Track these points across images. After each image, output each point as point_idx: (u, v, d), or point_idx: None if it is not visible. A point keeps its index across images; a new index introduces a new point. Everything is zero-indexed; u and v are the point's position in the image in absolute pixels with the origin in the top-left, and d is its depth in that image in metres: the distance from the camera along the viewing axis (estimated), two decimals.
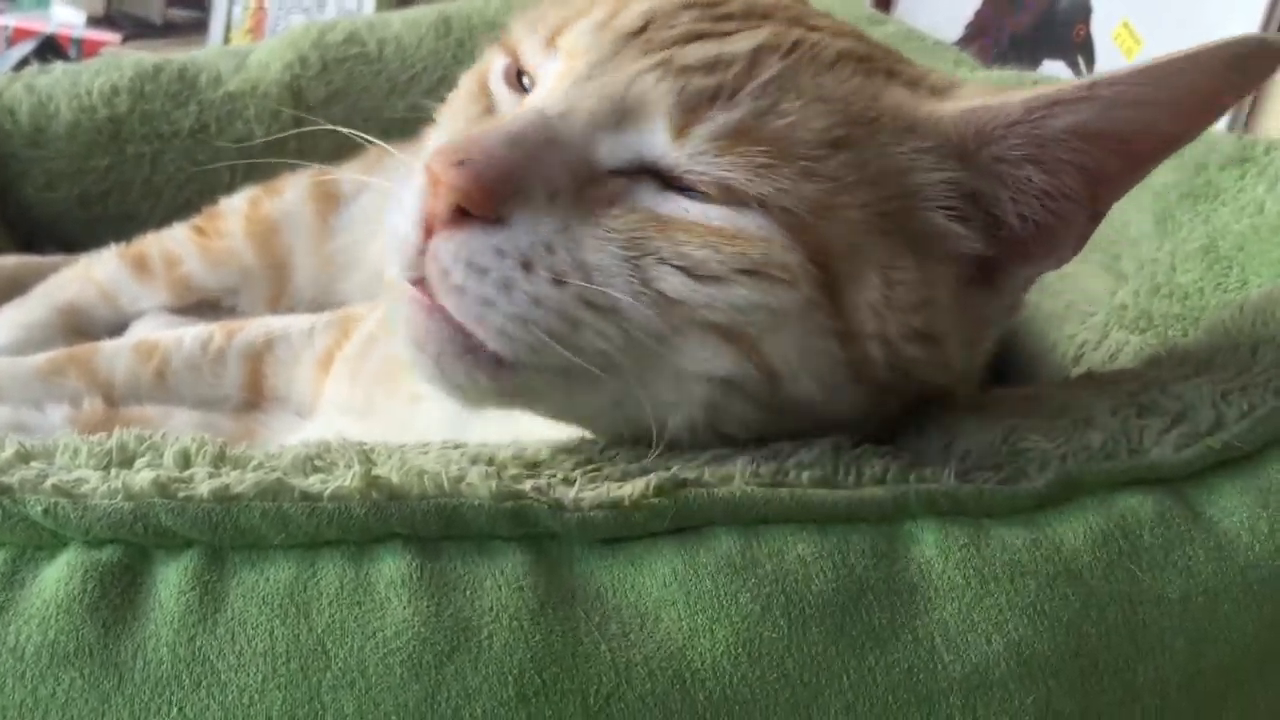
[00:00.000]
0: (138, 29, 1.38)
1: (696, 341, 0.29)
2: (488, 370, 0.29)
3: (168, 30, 1.39)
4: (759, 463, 0.26)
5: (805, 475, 0.26)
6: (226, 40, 1.06)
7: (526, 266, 0.28)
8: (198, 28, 1.39)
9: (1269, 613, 0.27)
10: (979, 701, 0.24)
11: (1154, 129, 0.31)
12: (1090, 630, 0.25)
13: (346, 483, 0.24)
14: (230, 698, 0.21)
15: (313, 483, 0.24)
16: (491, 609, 0.23)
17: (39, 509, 0.23)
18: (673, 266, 0.28)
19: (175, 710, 0.21)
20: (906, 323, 0.30)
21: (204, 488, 0.23)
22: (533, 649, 0.23)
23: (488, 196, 0.28)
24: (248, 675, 0.22)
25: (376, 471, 0.24)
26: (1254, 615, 0.27)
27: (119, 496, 0.23)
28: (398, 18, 0.71)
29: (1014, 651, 0.25)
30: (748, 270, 0.28)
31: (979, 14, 0.96)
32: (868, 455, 0.27)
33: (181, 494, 0.23)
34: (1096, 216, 0.33)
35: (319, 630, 0.22)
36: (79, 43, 1.36)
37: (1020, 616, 0.25)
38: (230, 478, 0.24)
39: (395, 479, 0.24)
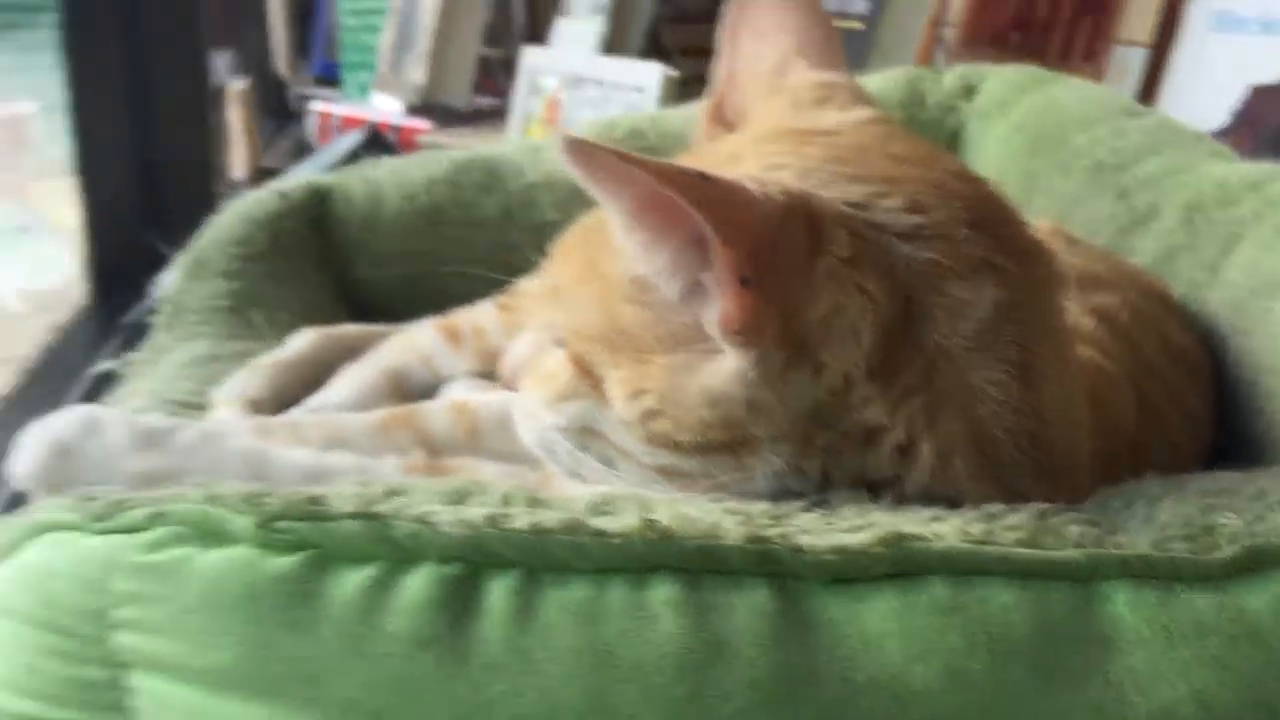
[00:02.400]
0: (447, 117, 1.54)
1: None
2: None
3: (473, 118, 1.54)
4: (971, 523, 0.31)
5: (1011, 536, 0.30)
6: (525, 130, 1.18)
7: None
8: (499, 114, 1.54)
9: None
10: None
11: None
12: (1271, 685, 0.28)
13: (629, 524, 0.30)
14: (543, 682, 0.28)
15: (603, 522, 0.30)
16: (742, 629, 0.29)
17: (403, 532, 0.30)
18: None
19: (502, 688, 0.28)
20: None
21: (522, 522, 0.30)
22: (775, 663, 0.28)
23: None
24: (555, 667, 0.28)
25: (652, 516, 0.30)
26: None
27: (461, 526, 0.30)
28: (677, 114, 0.79)
29: (1197, 698, 0.28)
30: None
31: (1247, 105, 0.95)
32: (1068, 522, 0.31)
33: (506, 526, 0.30)
34: None
35: (608, 637, 0.29)
36: (397, 130, 1.53)
37: (1204, 668, 0.28)
38: (542, 516, 0.30)
39: (667, 522, 0.30)
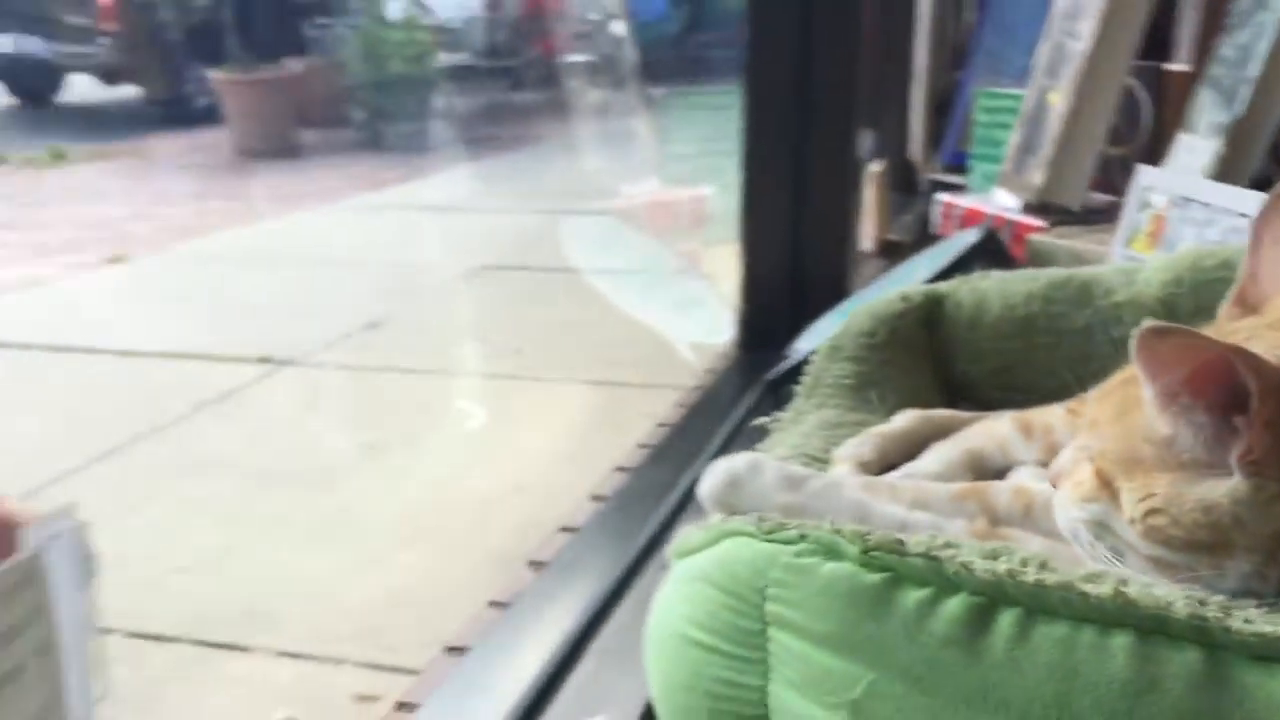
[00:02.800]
0: (1060, 216, 1.65)
1: None
2: None
3: (1084, 217, 1.64)
4: None
5: None
6: (1130, 240, 1.26)
7: None
8: (1110, 213, 1.62)
9: None
10: None
11: None
12: None
13: (1106, 590, 0.43)
14: (1026, 683, 0.42)
15: (1089, 587, 0.44)
16: (1174, 675, 0.41)
17: (950, 570, 0.46)
18: None
19: (997, 682, 0.43)
20: None
21: (1031, 577, 0.45)
22: (1195, 703, 0.40)
23: None
24: (1036, 674, 0.42)
25: (1124, 589, 0.43)
26: None
27: (988, 573, 0.45)
28: None
29: None
30: None
31: None
32: None
33: (1019, 578, 0.45)
34: None
35: (1076, 661, 0.42)
36: (1011, 225, 1.67)
37: None
38: (1046, 575, 0.45)
39: (1134, 594, 0.43)
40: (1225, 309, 0.59)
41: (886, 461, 0.78)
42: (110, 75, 10.13)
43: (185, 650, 2.23)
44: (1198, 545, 0.47)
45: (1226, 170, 1.28)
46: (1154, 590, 0.43)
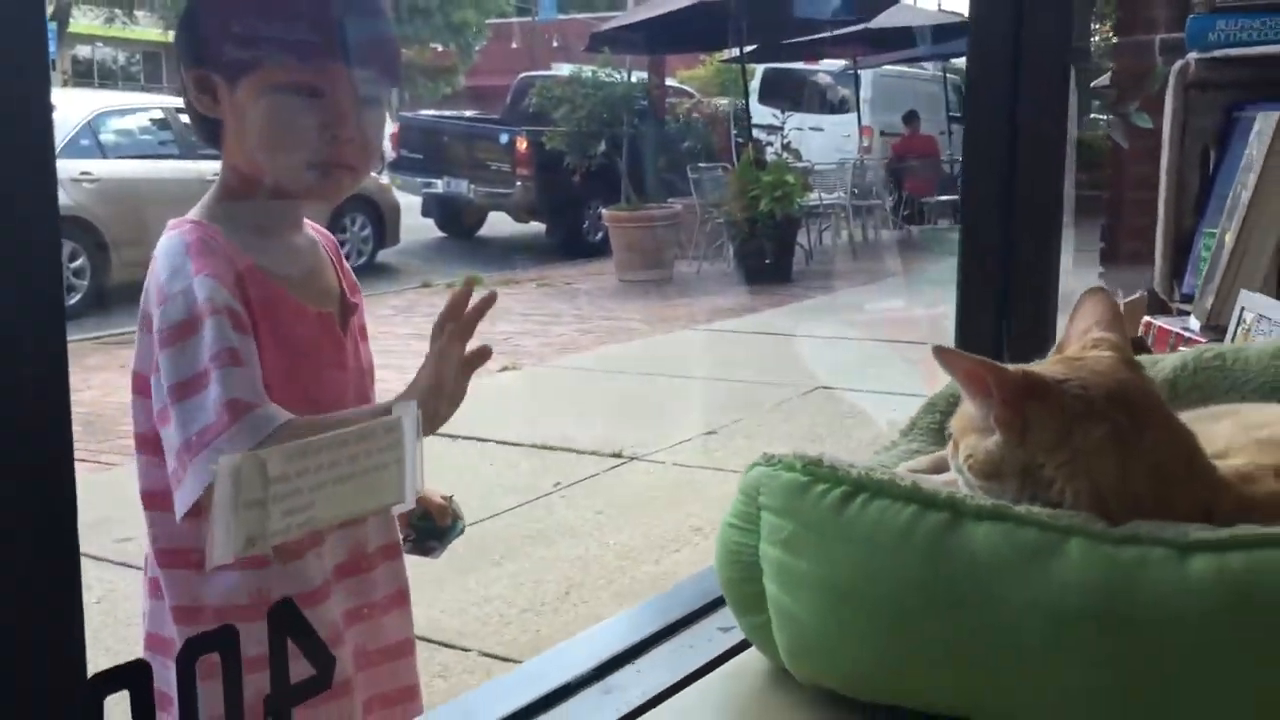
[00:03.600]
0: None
1: None
2: None
3: None
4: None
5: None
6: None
7: None
8: None
9: None
10: None
11: None
12: None
13: (906, 482, 0.79)
14: (872, 530, 0.78)
15: (904, 483, 0.80)
16: (934, 519, 0.76)
17: (846, 472, 0.84)
18: None
19: (842, 528, 0.79)
20: None
21: (889, 478, 0.81)
22: (949, 537, 0.75)
23: None
24: (878, 525, 0.78)
25: (919, 484, 0.79)
26: None
27: (863, 473, 0.82)
28: (1253, 347, 1.14)
29: None
30: None
31: None
32: None
33: (885, 478, 0.81)
34: None
35: (889, 516, 0.78)
36: (1176, 337, 1.89)
37: None
38: (892, 478, 0.81)
39: (925, 487, 0.78)
40: (1050, 354, 0.90)
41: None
42: (522, 213, 11.60)
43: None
44: (988, 475, 0.80)
45: None
46: (954, 488, 0.78)
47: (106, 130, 8.22)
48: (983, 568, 0.72)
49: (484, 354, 1.19)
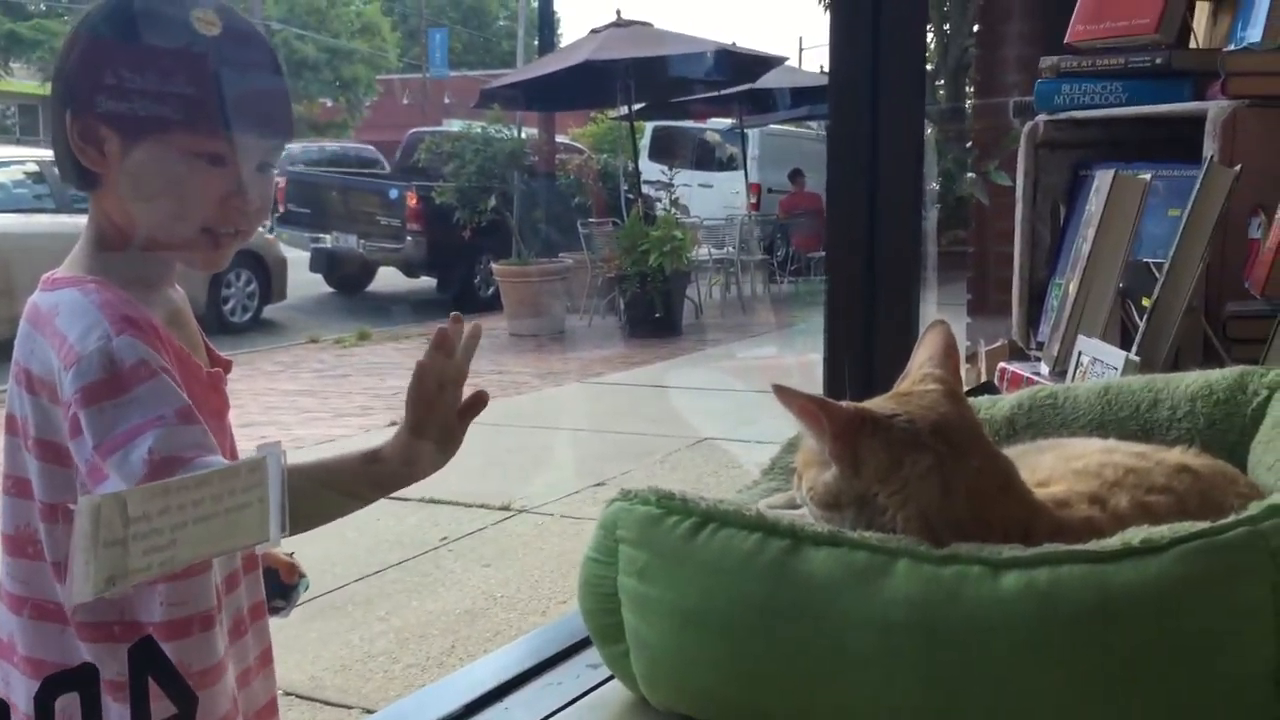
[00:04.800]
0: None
1: None
2: None
3: None
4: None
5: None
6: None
7: None
8: None
9: None
10: None
11: None
12: None
13: (751, 512, 0.84)
14: (717, 555, 0.83)
15: (749, 512, 0.85)
16: (775, 546, 0.80)
17: (695, 504, 0.88)
18: None
19: (691, 557, 0.84)
20: None
21: (734, 509, 0.86)
22: (786, 560, 0.79)
23: None
24: (722, 554, 0.83)
25: (764, 513, 0.84)
26: None
27: (711, 505, 0.87)
28: (1083, 387, 1.22)
29: None
30: None
31: None
32: None
33: (730, 509, 0.86)
34: None
35: (735, 543, 0.83)
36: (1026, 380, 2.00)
37: None
38: (738, 509, 0.86)
39: (769, 515, 0.83)
40: (896, 383, 0.96)
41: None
42: (412, 268, 11.55)
43: None
44: (828, 505, 0.85)
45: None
46: (805, 520, 0.83)
47: None
48: (819, 588, 0.77)
49: (482, 400, 1.25)
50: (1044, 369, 1.94)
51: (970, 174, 3.16)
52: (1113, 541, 0.72)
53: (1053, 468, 0.94)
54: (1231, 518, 0.71)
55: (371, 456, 1.20)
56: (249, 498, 0.85)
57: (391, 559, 3.95)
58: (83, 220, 1.21)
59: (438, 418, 1.21)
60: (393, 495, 4.12)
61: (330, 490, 1.20)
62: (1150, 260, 1.80)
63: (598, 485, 4.82)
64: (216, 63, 1.14)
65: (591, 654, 1.05)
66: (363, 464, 1.21)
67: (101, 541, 0.74)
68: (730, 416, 6.06)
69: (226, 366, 1.27)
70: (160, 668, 0.81)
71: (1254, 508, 0.71)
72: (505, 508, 4.51)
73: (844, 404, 0.85)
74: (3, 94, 23.87)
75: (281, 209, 11.36)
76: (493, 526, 4.34)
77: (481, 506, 4.54)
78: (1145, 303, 1.72)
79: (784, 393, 0.84)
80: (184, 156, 1.13)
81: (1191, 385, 1.10)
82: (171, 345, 1.14)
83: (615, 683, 0.95)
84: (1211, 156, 1.56)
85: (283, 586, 1.36)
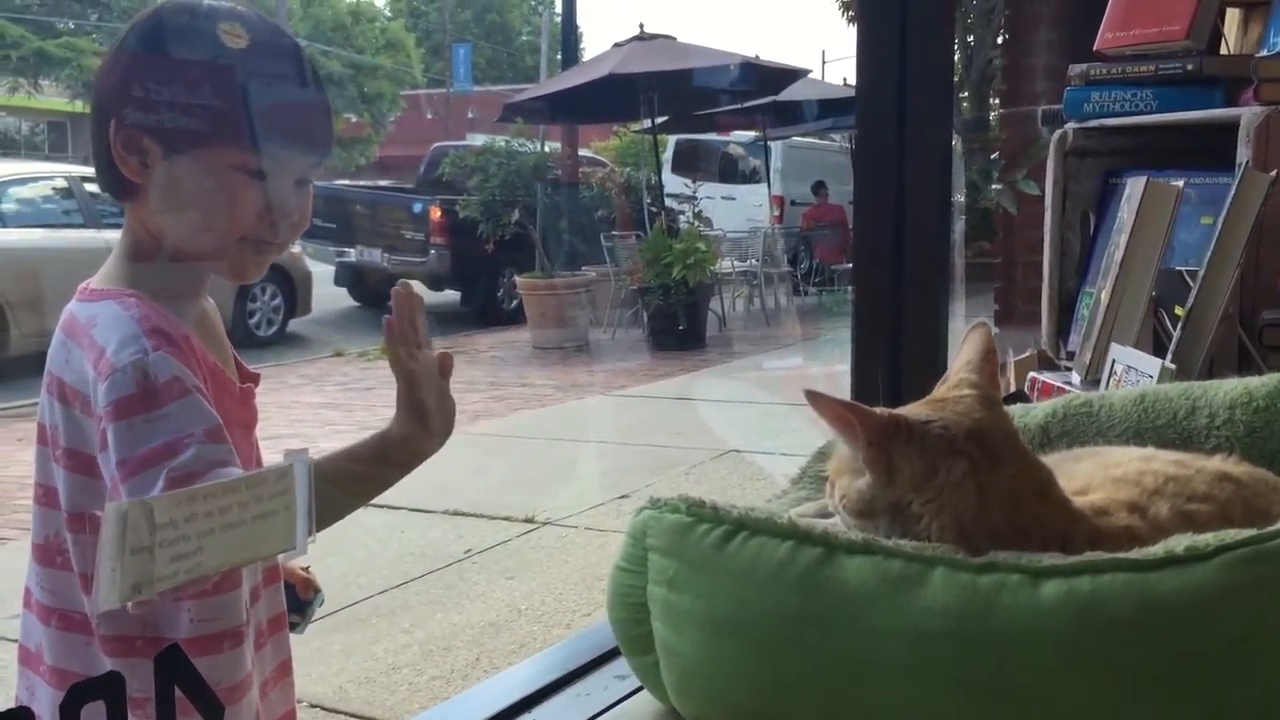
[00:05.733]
0: None
1: None
2: None
3: None
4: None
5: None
6: None
7: None
8: None
9: None
10: None
11: None
12: None
13: (784, 520, 0.82)
14: (750, 564, 0.81)
15: (782, 522, 0.83)
16: (808, 555, 0.79)
17: (727, 512, 0.87)
18: None
19: (724, 564, 0.82)
20: None
21: (766, 517, 0.84)
22: (821, 569, 0.78)
23: None
24: (755, 562, 0.81)
25: (796, 521, 0.82)
26: None
27: (742, 513, 0.85)
28: (1118, 394, 1.20)
29: None
30: None
31: None
32: None
33: (763, 517, 0.84)
34: None
35: (768, 551, 0.81)
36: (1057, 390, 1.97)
37: None
38: (768, 517, 0.84)
39: (801, 523, 0.82)
40: (937, 386, 0.95)
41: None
42: (436, 282, 11.59)
43: None
44: (861, 514, 0.83)
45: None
46: (839, 529, 0.81)
47: (8, 199, 8.07)
48: (853, 598, 0.76)
49: (449, 360, 1.27)
50: (1075, 378, 1.92)
51: (997, 184, 3.13)
52: (1156, 549, 0.70)
53: (1090, 476, 0.92)
54: (1279, 525, 0.69)
55: (380, 435, 1.25)
56: (276, 505, 0.84)
57: (415, 571, 3.94)
58: (111, 235, 1.21)
59: (421, 379, 1.23)
60: (417, 508, 4.11)
61: (346, 478, 1.24)
62: (1183, 268, 1.78)
63: (622, 498, 4.80)
64: (259, 79, 1.14)
65: (620, 665, 1.03)
66: (376, 442, 1.25)
67: (128, 548, 0.73)
68: (756, 428, 6.04)
69: (255, 380, 1.27)
70: (186, 677, 0.80)
71: None
72: (529, 520, 4.50)
73: (878, 409, 0.83)
74: (33, 111, 24.14)
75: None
76: (517, 539, 4.33)
77: (505, 519, 4.53)
78: (1178, 311, 1.69)
79: (817, 399, 0.82)
80: (224, 169, 1.13)
81: (1230, 392, 1.07)
82: (205, 360, 1.14)
83: (644, 694, 0.94)
84: (1246, 162, 1.54)
85: (298, 602, 1.36)
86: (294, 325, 9.70)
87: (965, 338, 0.94)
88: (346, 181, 13.64)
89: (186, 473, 1.01)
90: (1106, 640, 0.68)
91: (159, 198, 1.14)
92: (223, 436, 1.06)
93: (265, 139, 1.15)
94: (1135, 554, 0.71)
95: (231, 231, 1.16)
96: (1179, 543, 0.70)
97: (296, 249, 10.32)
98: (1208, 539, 0.70)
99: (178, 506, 0.76)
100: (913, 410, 0.86)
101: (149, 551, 0.74)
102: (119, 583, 0.74)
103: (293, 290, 9.63)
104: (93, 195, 7.90)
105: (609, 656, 1.08)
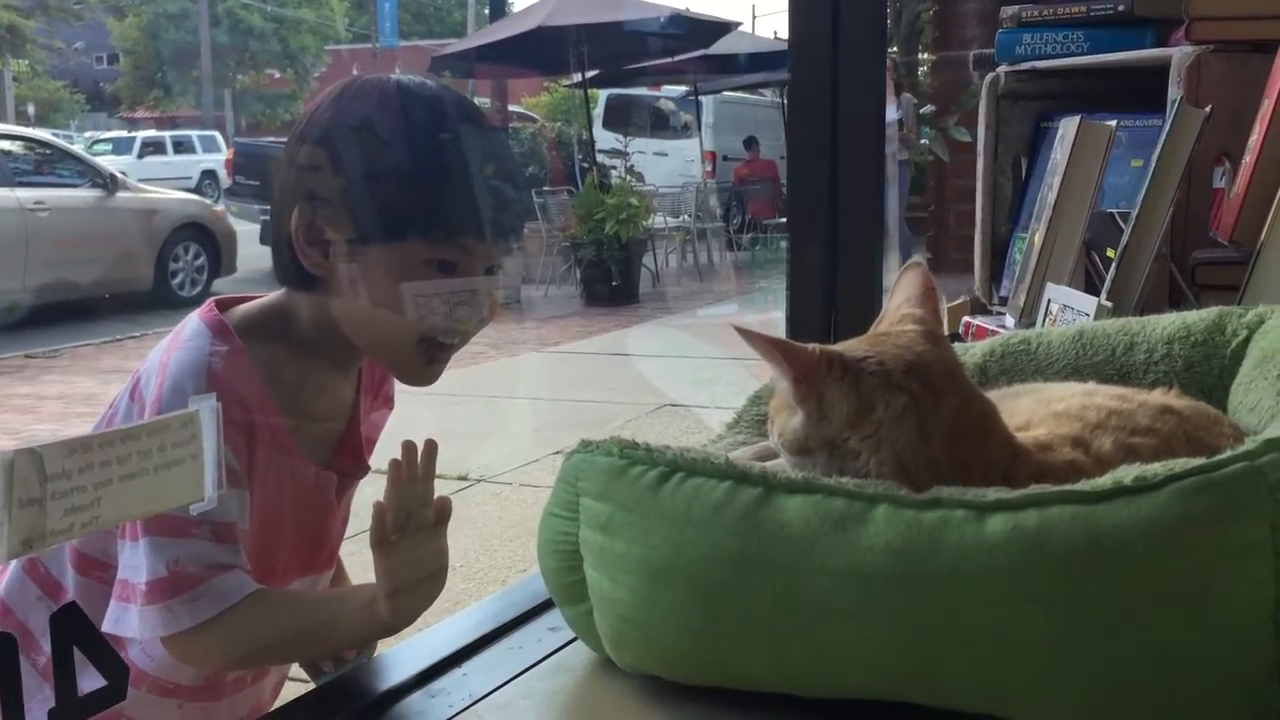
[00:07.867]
0: None
1: None
2: None
3: None
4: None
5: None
6: None
7: None
8: None
9: None
10: None
11: None
12: None
13: (720, 460, 0.79)
14: (685, 506, 0.78)
15: (718, 460, 0.80)
16: (747, 495, 0.76)
17: (661, 453, 0.83)
18: None
19: (658, 506, 0.79)
20: None
21: (702, 456, 0.81)
22: (760, 509, 0.75)
23: None
24: (692, 501, 0.78)
25: (734, 460, 0.79)
26: None
27: (678, 454, 0.82)
28: (1056, 332, 1.18)
29: None
30: None
31: None
32: None
33: (698, 458, 0.81)
34: None
35: (705, 490, 0.78)
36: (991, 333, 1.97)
37: None
38: (704, 456, 0.81)
39: (739, 464, 0.79)
40: (872, 326, 0.92)
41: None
42: None
43: None
44: (798, 451, 0.81)
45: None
46: (774, 467, 0.78)
47: None
48: (794, 539, 0.73)
49: (449, 506, 1.16)
50: (1009, 322, 1.91)
51: (929, 130, 3.12)
52: (1103, 481, 0.68)
53: (1032, 411, 0.90)
54: (1228, 453, 0.67)
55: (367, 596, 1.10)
56: (181, 454, 0.79)
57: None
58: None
59: (410, 548, 1.11)
60: None
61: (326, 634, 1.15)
62: (1114, 210, 1.77)
63: (556, 454, 4.76)
64: (453, 166, 1.06)
65: (553, 617, 1.00)
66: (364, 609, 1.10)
67: (16, 501, 0.68)
68: (692, 381, 6.03)
69: (355, 473, 1.22)
70: (84, 636, 0.76)
71: (1250, 443, 0.68)
72: (463, 478, 4.45)
73: (807, 346, 0.80)
74: None
75: (230, 181, 11.17)
76: (451, 497, 4.27)
77: (439, 477, 4.46)
78: (1110, 254, 1.69)
79: (748, 334, 0.79)
80: (414, 264, 1.05)
81: (1168, 327, 1.06)
82: (275, 436, 1.08)
83: (578, 645, 0.91)
84: (1180, 98, 1.53)
85: None
86: (218, 284, 9.48)
87: (900, 277, 0.91)
88: (271, 138, 13.33)
89: (177, 571, 0.99)
90: (1055, 575, 0.66)
91: (339, 290, 1.06)
92: (230, 535, 1.01)
93: (459, 231, 1.06)
94: (1082, 486, 0.68)
95: (414, 328, 1.07)
96: (1127, 473, 0.68)
97: (220, 207, 10.09)
98: (1156, 469, 0.67)
99: (70, 456, 0.71)
100: (851, 346, 0.83)
101: (39, 504, 0.69)
102: (7, 538, 0.69)
103: (216, 249, 9.41)
104: (4, 152, 7.62)
105: (542, 609, 1.05)
